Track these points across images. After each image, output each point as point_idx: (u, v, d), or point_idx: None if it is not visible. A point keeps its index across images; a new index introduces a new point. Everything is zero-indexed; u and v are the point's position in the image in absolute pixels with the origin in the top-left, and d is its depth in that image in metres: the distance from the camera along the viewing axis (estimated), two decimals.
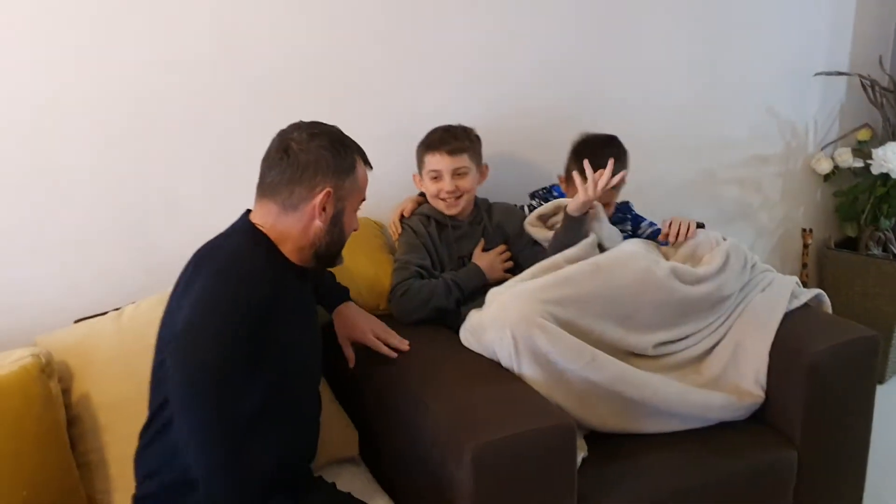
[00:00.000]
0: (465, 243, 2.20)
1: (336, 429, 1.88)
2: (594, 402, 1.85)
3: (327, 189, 1.54)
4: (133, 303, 1.91)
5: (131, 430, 1.59)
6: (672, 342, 2.01)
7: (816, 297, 2.10)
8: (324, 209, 1.55)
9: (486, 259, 2.18)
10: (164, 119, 2.00)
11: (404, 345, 1.87)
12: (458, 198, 2.15)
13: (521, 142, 2.47)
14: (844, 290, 3.07)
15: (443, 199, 2.15)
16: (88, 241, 1.98)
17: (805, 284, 2.67)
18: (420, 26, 2.27)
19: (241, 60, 2.06)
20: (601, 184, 2.02)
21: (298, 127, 1.58)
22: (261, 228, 1.56)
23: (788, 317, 1.99)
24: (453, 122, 2.19)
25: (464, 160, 2.13)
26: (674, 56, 2.69)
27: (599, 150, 2.18)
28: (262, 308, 1.46)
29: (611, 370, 1.83)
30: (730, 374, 1.97)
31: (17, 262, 1.92)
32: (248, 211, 1.61)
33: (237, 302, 1.44)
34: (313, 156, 1.54)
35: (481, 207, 2.25)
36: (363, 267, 2.10)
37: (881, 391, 2.95)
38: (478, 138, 2.20)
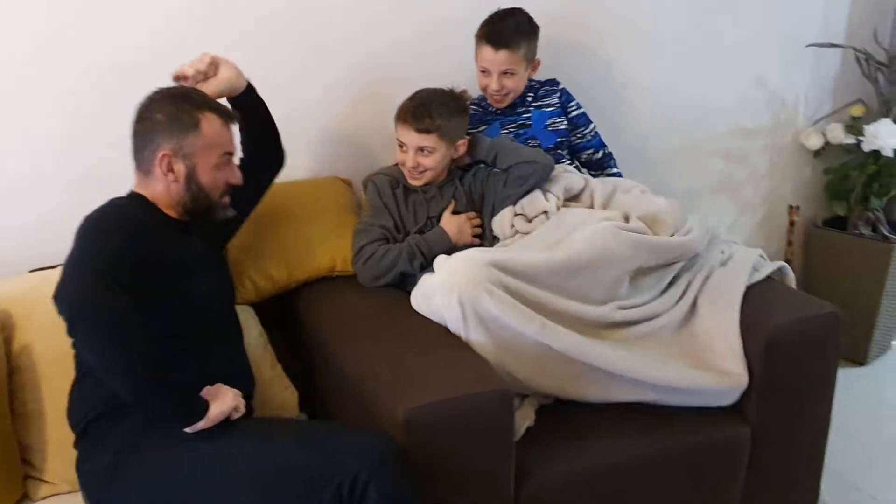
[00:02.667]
0: (435, 205, 2.14)
1: (276, 389, 1.89)
2: (550, 368, 1.82)
3: (163, 152, 1.63)
4: None
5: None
6: (632, 307, 1.94)
7: (779, 271, 2.06)
8: (171, 170, 1.64)
9: (454, 223, 2.11)
10: (123, 75, 1.99)
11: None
12: (421, 173, 2.10)
13: None
14: (830, 270, 3.01)
15: (407, 171, 2.11)
16: (46, 195, 1.98)
17: (789, 262, 2.63)
18: None
19: (210, 12, 2.05)
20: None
21: (149, 94, 1.67)
22: (141, 194, 1.68)
23: (749, 290, 1.94)
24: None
25: (431, 139, 2.04)
26: (658, 17, 2.62)
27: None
28: (142, 240, 1.56)
29: (563, 339, 1.80)
30: (707, 355, 1.91)
31: None
32: None
33: (101, 230, 1.54)
34: (149, 121, 1.64)
35: (455, 175, 2.19)
36: (323, 227, 2.08)
37: (863, 373, 2.96)
38: (462, 111, 2.11)
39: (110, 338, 1.39)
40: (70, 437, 1.62)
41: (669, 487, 1.84)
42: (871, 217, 2.96)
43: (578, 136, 2.35)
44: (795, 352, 1.88)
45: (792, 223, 3.03)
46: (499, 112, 2.30)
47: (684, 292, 1.98)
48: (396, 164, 2.16)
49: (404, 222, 2.12)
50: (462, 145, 2.14)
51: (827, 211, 3.13)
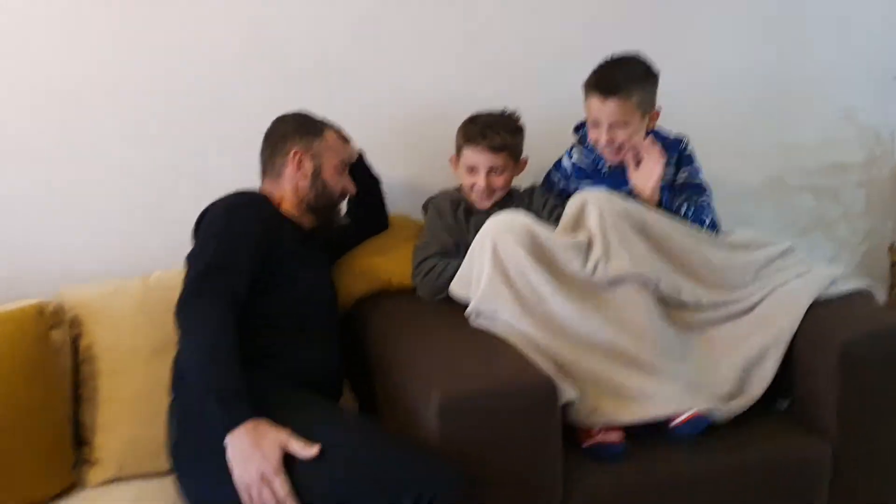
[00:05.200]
0: None
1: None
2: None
3: (296, 149, 1.88)
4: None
5: (145, 373, 1.82)
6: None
7: (864, 291, 1.92)
8: (301, 166, 1.89)
9: None
10: (194, 96, 2.14)
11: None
12: (491, 193, 2.11)
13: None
14: None
15: (475, 193, 2.12)
16: (120, 214, 2.13)
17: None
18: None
19: (265, 47, 2.19)
20: None
21: (273, 120, 1.95)
22: (268, 192, 1.91)
23: (823, 304, 1.84)
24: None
25: (502, 158, 2.07)
26: (735, 52, 2.58)
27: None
28: (266, 222, 1.77)
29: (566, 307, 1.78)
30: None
31: (56, 228, 2.09)
32: None
33: (242, 205, 1.77)
34: (281, 130, 1.93)
35: (514, 195, 2.20)
36: (381, 242, 2.15)
37: None
38: (521, 129, 2.13)
39: (188, 318, 1.56)
40: (133, 417, 1.78)
41: None
42: None
43: (680, 200, 2.06)
44: (873, 366, 1.74)
45: (894, 264, 2.84)
46: (607, 173, 2.11)
47: (750, 295, 1.90)
48: (456, 189, 2.19)
49: (466, 241, 2.11)
50: (524, 163, 2.15)
51: None
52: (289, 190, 1.89)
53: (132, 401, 1.81)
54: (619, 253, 1.81)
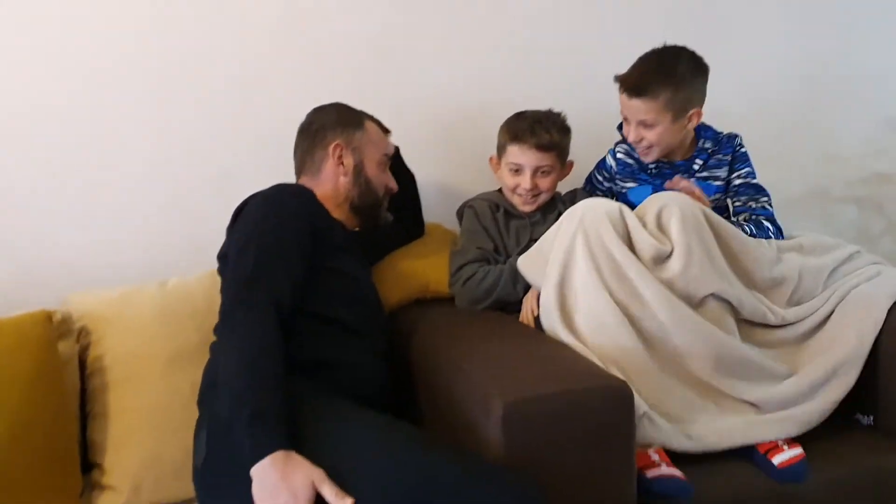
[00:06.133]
0: (538, 229, 1.96)
1: None
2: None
3: (336, 142, 1.73)
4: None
5: (162, 384, 1.66)
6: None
7: None
8: (342, 161, 1.74)
9: None
10: (217, 95, 2.01)
11: None
12: (536, 196, 1.96)
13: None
14: None
15: (519, 195, 1.97)
16: (138, 214, 1.97)
17: None
18: None
19: (298, 35, 2.05)
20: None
21: (310, 111, 1.82)
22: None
23: None
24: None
25: (550, 157, 1.93)
26: (776, 58, 2.49)
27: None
28: (315, 214, 1.60)
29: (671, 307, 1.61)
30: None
31: (67, 231, 1.93)
32: None
33: (288, 198, 1.59)
34: (319, 122, 1.77)
35: (557, 199, 2.04)
36: (416, 249, 1.99)
37: None
38: (569, 129, 1.99)
39: (228, 333, 1.40)
40: (149, 433, 1.62)
41: None
42: None
43: (739, 203, 1.97)
44: None
45: None
46: (654, 170, 1.98)
47: (822, 305, 1.75)
48: (496, 191, 2.04)
49: (506, 246, 1.97)
50: (570, 166, 2.02)
51: None
52: (329, 188, 1.73)
53: (148, 414, 1.64)
54: (703, 267, 1.65)
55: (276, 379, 1.31)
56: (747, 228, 1.86)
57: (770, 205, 1.95)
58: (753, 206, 1.94)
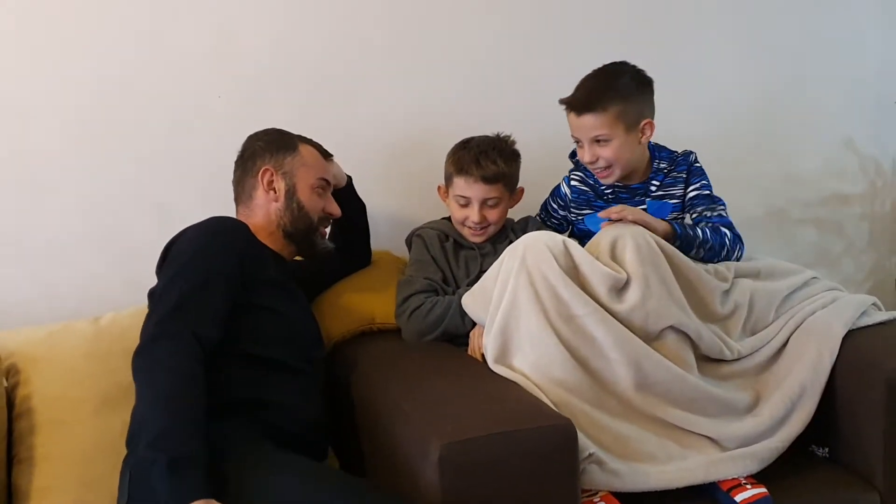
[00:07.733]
0: (488, 261, 1.89)
1: None
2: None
3: (266, 167, 1.69)
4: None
5: (94, 427, 1.58)
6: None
7: None
8: (273, 187, 1.70)
9: None
10: (154, 123, 1.96)
11: None
12: (485, 227, 1.92)
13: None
14: None
15: (469, 227, 1.93)
16: (68, 247, 1.91)
17: None
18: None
19: (235, 62, 2.01)
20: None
21: (249, 136, 1.78)
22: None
23: (862, 332, 1.67)
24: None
25: (498, 189, 1.87)
26: (734, 80, 2.47)
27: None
28: (244, 251, 1.55)
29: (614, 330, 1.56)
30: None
31: None
32: None
33: (218, 232, 1.55)
34: (251, 149, 1.74)
35: (508, 227, 2.00)
36: (361, 280, 1.93)
37: None
38: (517, 155, 1.94)
39: (145, 368, 1.35)
40: (78, 479, 1.54)
41: None
42: None
43: (696, 214, 1.91)
44: None
45: None
46: (610, 196, 1.94)
47: (777, 333, 1.71)
48: (446, 219, 1.99)
49: (455, 277, 1.92)
50: (520, 194, 1.97)
51: None
52: (261, 217, 1.69)
53: (78, 459, 1.55)
54: (661, 298, 1.60)
55: (195, 422, 1.27)
56: (701, 232, 1.81)
57: (726, 213, 1.92)
58: (709, 214, 1.90)
